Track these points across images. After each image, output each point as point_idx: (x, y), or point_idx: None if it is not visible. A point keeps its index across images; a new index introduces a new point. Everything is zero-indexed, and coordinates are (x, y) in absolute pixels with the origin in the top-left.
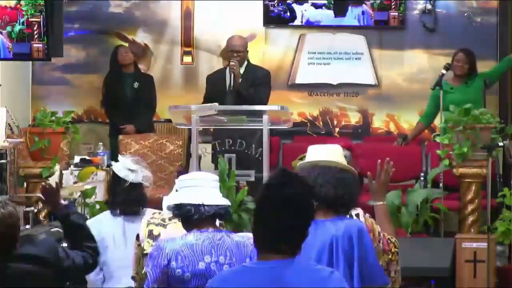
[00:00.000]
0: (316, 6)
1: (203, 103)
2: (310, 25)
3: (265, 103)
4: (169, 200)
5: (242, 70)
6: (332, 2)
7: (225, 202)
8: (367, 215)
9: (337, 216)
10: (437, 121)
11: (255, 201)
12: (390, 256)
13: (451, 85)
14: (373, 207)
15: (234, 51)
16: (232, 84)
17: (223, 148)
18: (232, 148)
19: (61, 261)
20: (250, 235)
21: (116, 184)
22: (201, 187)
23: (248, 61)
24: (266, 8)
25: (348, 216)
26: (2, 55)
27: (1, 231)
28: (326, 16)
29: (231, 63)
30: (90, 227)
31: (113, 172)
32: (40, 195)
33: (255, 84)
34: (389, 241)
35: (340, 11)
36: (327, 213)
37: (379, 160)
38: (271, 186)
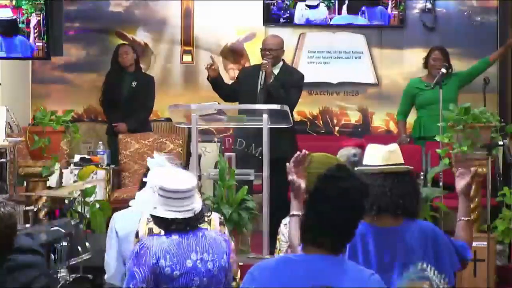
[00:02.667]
0: (315, 5)
1: (230, 85)
2: (309, 24)
3: (294, 106)
4: (144, 205)
5: (276, 71)
6: (333, 1)
7: (198, 206)
8: None
9: (406, 220)
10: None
11: (309, 192)
12: None
13: (426, 82)
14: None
15: (267, 49)
16: (263, 82)
17: (233, 147)
18: (232, 147)
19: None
20: (221, 232)
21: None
22: (187, 198)
23: (284, 61)
24: (266, 7)
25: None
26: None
27: (1, 230)
28: (326, 15)
29: (263, 61)
30: (116, 221)
31: (147, 168)
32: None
33: (288, 86)
34: None
35: (352, 10)
36: (397, 219)
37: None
38: (327, 177)
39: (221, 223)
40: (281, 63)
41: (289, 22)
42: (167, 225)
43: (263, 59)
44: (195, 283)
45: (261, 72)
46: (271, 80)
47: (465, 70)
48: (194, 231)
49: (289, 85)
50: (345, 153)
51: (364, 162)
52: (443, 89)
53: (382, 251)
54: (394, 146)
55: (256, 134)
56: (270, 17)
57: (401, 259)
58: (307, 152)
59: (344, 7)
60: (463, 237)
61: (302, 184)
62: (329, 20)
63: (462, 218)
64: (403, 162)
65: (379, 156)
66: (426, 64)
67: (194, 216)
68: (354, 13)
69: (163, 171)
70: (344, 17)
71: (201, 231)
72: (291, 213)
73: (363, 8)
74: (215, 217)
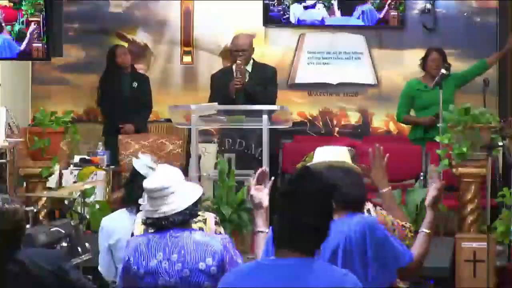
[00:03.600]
0: (315, 5)
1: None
2: (309, 25)
3: (274, 101)
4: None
5: (249, 68)
6: (332, 2)
7: (187, 203)
8: (378, 207)
9: (348, 214)
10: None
11: (276, 196)
12: (406, 242)
13: (425, 84)
14: (380, 195)
15: (239, 50)
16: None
17: (223, 148)
18: (232, 147)
19: (66, 273)
20: (224, 236)
21: (133, 181)
22: (153, 199)
23: (253, 59)
24: (266, 8)
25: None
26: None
27: (6, 228)
28: (325, 15)
29: (238, 61)
30: (107, 226)
31: (133, 168)
32: None
33: (264, 83)
34: (403, 227)
35: (346, 11)
36: (341, 212)
37: (370, 149)
38: (294, 180)
39: (216, 223)
40: (251, 61)
41: (289, 22)
42: (148, 225)
43: (237, 60)
44: (161, 283)
45: (235, 73)
46: (246, 79)
47: (461, 72)
48: (164, 231)
49: (264, 82)
50: None
51: (314, 161)
52: (441, 90)
53: (327, 241)
54: (344, 148)
55: (242, 134)
56: (270, 18)
57: (344, 249)
58: (267, 169)
59: (340, 8)
60: (418, 249)
61: (264, 200)
62: (325, 21)
63: (424, 229)
64: (350, 162)
65: (331, 154)
66: (423, 65)
67: (163, 216)
68: (348, 14)
69: (158, 169)
70: (338, 18)
71: (180, 232)
72: (256, 229)
73: (357, 7)
74: (210, 217)
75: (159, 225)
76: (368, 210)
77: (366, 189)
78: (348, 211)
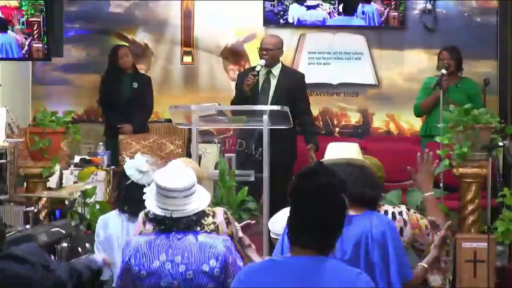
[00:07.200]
0: (315, 6)
1: (233, 101)
2: (309, 25)
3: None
4: (147, 202)
5: (276, 71)
6: (333, 2)
7: (198, 207)
8: (412, 211)
9: (366, 211)
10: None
11: (288, 193)
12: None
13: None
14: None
15: (263, 48)
16: (264, 85)
17: (241, 148)
18: (232, 148)
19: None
20: (226, 237)
21: (120, 181)
22: (173, 198)
23: (282, 63)
24: (266, 8)
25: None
26: (16, 54)
27: None
28: (326, 16)
29: (260, 60)
30: (99, 225)
31: (123, 169)
32: None
33: (298, 93)
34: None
35: (349, 11)
36: (356, 209)
37: (418, 153)
38: (304, 175)
39: (225, 214)
40: (280, 64)
41: (289, 23)
42: (154, 223)
43: (260, 59)
44: (164, 285)
45: (260, 73)
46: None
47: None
48: (169, 233)
49: (299, 92)
50: None
51: (327, 157)
52: (459, 92)
53: (346, 237)
54: (356, 144)
55: (259, 136)
56: (270, 18)
57: (362, 247)
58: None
59: (341, 8)
60: (415, 275)
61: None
62: (327, 21)
63: (424, 264)
64: (362, 158)
65: (341, 150)
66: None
67: (183, 217)
68: (351, 14)
69: (170, 168)
70: (340, 18)
71: (183, 234)
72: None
73: (360, 7)
74: (219, 211)
75: (170, 224)
76: (401, 213)
77: (380, 188)
78: (360, 207)
